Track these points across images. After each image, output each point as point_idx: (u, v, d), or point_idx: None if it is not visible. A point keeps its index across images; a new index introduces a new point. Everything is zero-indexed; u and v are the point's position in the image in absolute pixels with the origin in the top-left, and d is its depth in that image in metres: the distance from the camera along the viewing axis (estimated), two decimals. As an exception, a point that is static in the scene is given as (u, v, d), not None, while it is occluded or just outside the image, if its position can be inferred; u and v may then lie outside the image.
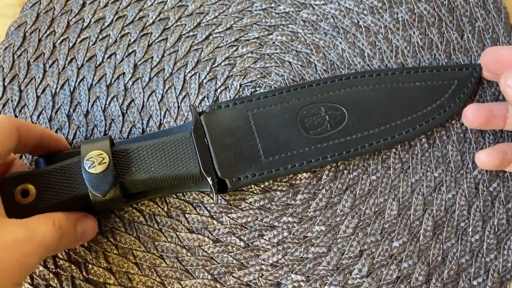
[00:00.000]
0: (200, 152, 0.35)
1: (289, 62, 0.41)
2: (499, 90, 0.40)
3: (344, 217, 0.38)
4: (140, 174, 0.34)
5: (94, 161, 0.32)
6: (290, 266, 0.37)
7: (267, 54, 0.42)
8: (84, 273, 0.36)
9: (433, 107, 0.39)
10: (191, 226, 0.37)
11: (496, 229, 0.37)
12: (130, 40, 0.42)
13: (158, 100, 0.40)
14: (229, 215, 0.38)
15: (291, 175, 0.39)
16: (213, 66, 0.41)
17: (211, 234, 0.37)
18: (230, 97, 0.40)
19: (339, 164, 0.39)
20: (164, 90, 0.40)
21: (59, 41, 0.41)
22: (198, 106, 0.40)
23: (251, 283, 0.36)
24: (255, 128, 0.37)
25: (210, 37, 0.42)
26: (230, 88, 0.41)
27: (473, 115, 0.37)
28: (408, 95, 0.39)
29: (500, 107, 0.37)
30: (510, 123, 0.37)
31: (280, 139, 0.37)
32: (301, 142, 0.37)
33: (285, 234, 0.37)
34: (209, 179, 0.34)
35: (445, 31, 0.42)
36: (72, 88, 0.40)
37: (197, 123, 0.36)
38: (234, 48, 0.42)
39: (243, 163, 0.36)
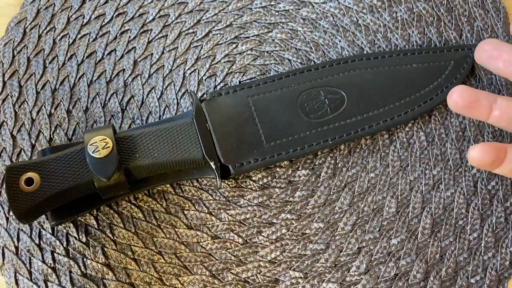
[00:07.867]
0: (202, 137, 0.35)
1: (289, 60, 0.41)
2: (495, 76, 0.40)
3: (342, 214, 0.38)
4: (144, 159, 0.34)
5: (98, 146, 0.33)
6: (288, 263, 0.37)
7: (267, 52, 0.42)
8: (82, 268, 0.36)
9: (430, 88, 0.39)
10: (190, 223, 0.37)
11: (494, 227, 0.38)
12: (130, 36, 0.42)
13: (158, 96, 0.40)
14: (228, 211, 0.38)
15: (290, 172, 0.39)
16: (213, 63, 0.41)
17: (210, 230, 0.37)
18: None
19: (337, 161, 0.39)
20: (164, 87, 0.41)
21: (59, 37, 0.41)
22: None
23: (249, 280, 0.36)
24: (256, 114, 0.37)
25: (210, 34, 0.42)
26: (229, 85, 0.41)
27: (458, 95, 0.35)
28: (405, 77, 0.39)
29: (488, 97, 0.35)
30: (495, 115, 0.35)
31: (281, 124, 0.37)
32: (302, 126, 0.37)
33: (284, 231, 0.37)
34: (212, 163, 0.34)
35: (443, 31, 0.42)
36: (72, 84, 0.40)
37: (198, 109, 0.36)
38: (234, 45, 0.42)
39: (246, 149, 0.36)
